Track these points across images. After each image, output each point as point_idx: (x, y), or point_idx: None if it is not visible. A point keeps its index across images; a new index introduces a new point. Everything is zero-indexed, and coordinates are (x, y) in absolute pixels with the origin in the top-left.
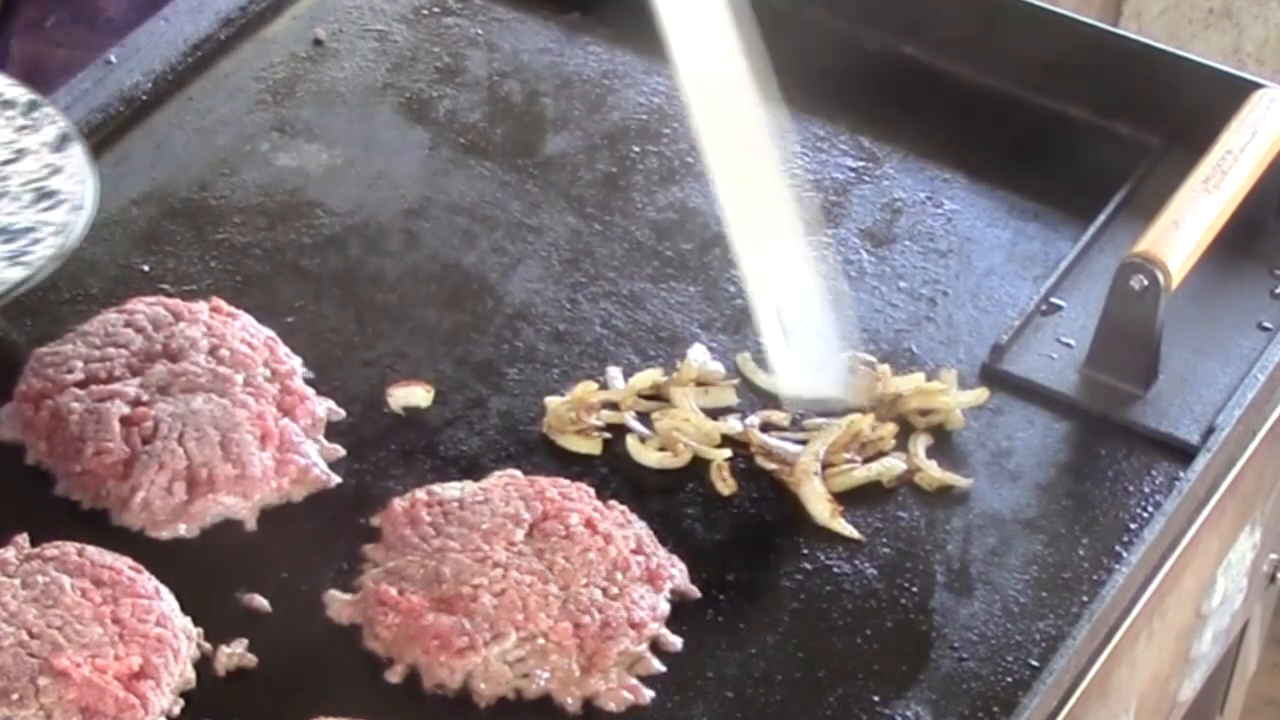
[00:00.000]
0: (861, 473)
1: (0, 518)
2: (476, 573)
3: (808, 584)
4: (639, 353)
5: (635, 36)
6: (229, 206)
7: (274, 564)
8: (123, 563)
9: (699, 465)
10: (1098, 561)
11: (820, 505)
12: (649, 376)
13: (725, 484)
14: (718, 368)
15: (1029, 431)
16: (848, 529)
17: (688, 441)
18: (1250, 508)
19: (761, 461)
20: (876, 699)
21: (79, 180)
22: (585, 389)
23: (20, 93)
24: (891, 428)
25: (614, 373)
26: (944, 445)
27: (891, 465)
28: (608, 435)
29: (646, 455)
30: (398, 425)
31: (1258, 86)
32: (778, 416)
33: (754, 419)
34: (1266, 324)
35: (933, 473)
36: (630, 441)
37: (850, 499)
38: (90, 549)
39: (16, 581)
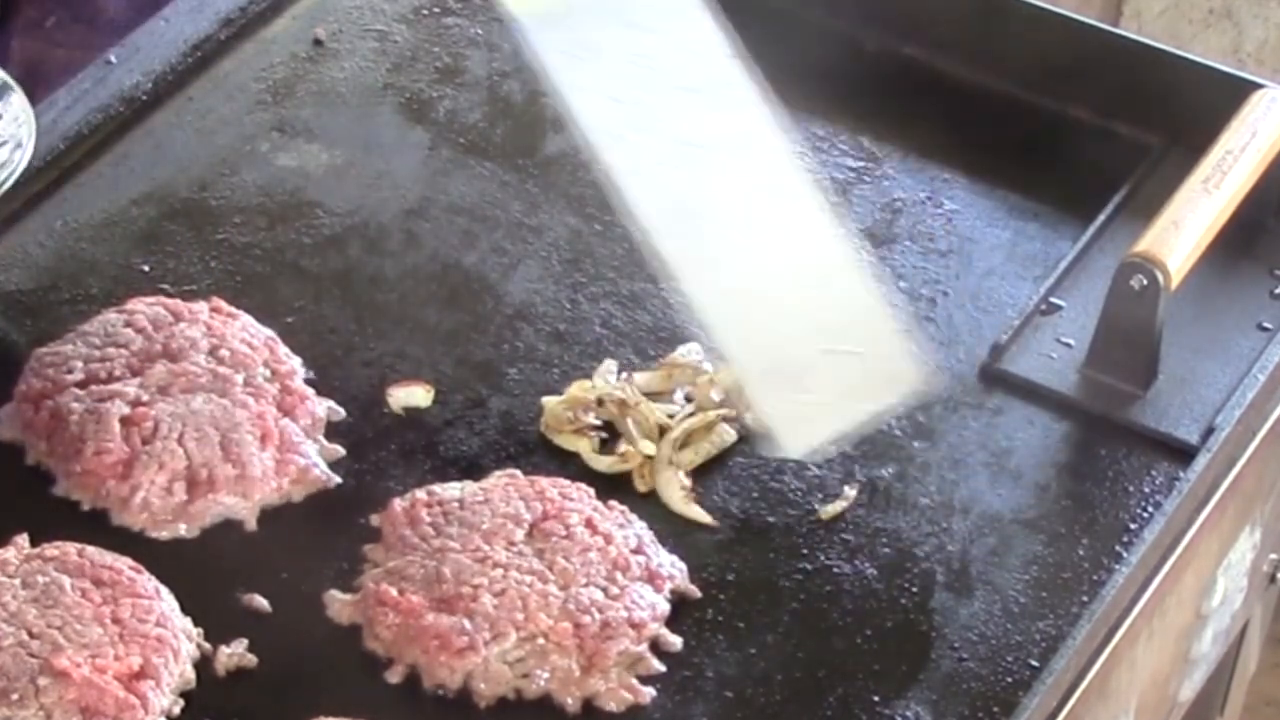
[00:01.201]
0: (704, 448)
1: (0, 518)
2: (476, 573)
3: (808, 584)
4: (639, 353)
5: None
6: (229, 206)
7: (274, 564)
8: (123, 563)
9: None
10: (1098, 561)
11: (674, 491)
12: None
13: (644, 481)
14: (707, 367)
15: (1029, 431)
16: (703, 515)
17: (638, 445)
18: (1250, 508)
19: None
20: (876, 699)
21: (20, 123)
22: (580, 387)
23: None
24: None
25: (608, 365)
26: (938, 444)
27: (725, 434)
28: (604, 435)
29: (598, 461)
30: (398, 425)
31: (1258, 86)
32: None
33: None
34: (1266, 324)
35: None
36: (584, 447)
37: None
38: (90, 549)
39: (16, 581)
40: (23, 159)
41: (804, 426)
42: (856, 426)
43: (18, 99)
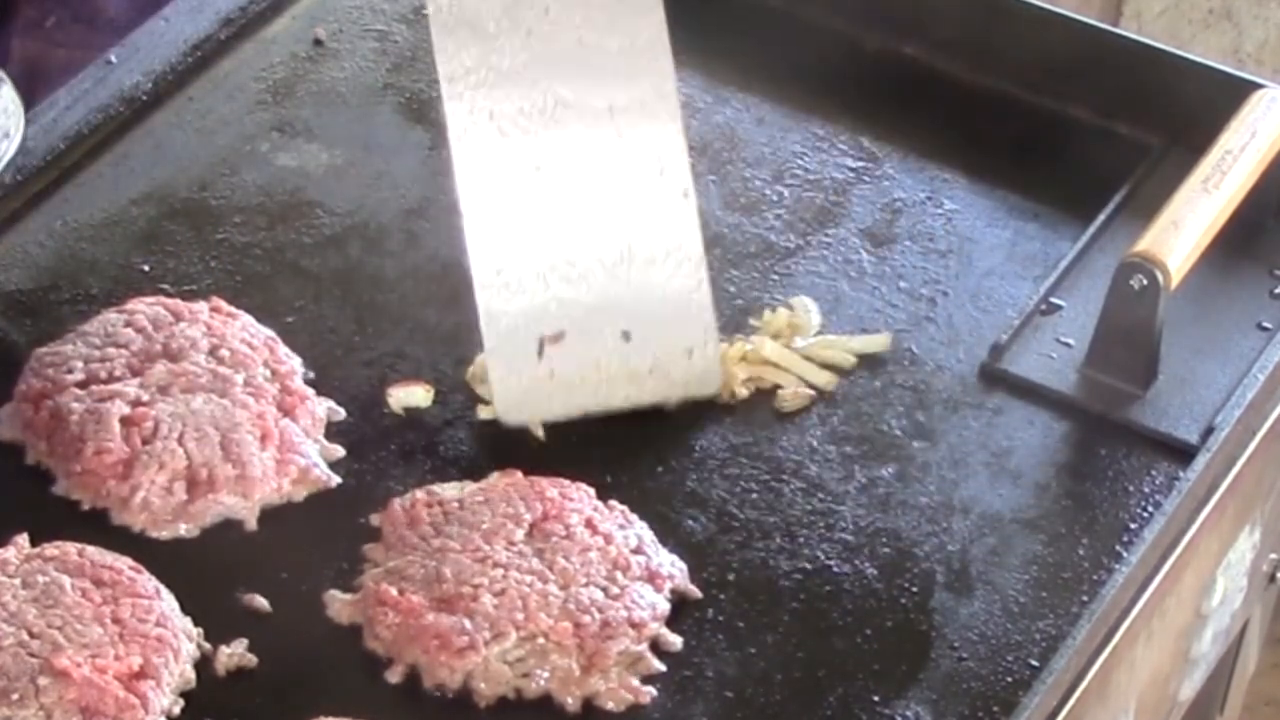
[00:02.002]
0: None
1: (0, 518)
2: (476, 573)
3: (808, 584)
4: None
5: None
6: (229, 206)
7: (274, 564)
8: (123, 563)
9: (697, 464)
10: (1098, 561)
11: None
12: None
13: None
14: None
15: (1029, 431)
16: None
17: None
18: (1250, 508)
19: None
20: (876, 699)
21: (9, 114)
22: None
23: None
24: None
25: None
26: (938, 444)
27: None
28: None
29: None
30: (398, 425)
31: (1258, 86)
32: None
33: None
34: (1266, 324)
35: None
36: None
37: (852, 496)
38: (90, 549)
39: (16, 581)
40: (10, 149)
41: (531, 397)
42: (592, 410)
43: (6, 89)
